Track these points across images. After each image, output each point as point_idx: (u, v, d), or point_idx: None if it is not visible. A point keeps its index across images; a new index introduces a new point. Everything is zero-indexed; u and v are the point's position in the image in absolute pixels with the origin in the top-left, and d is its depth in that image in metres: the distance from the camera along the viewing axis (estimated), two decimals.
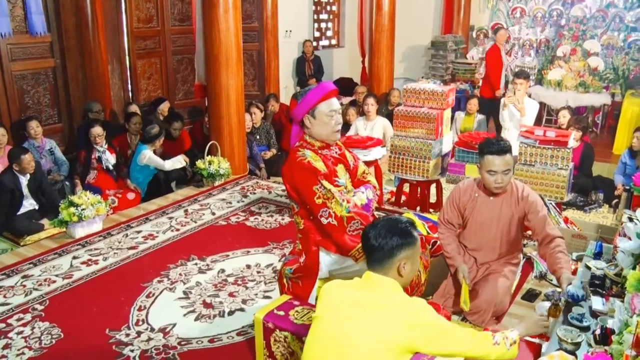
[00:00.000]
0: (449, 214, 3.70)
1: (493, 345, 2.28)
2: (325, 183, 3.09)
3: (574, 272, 3.90)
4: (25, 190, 5.27)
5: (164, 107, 7.42)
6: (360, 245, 3.03)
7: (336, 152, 3.35)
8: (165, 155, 6.46)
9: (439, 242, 3.68)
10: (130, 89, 7.85)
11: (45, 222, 5.25)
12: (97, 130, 5.98)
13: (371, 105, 6.94)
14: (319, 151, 3.23)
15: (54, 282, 4.36)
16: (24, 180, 5.25)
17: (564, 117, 6.54)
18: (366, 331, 2.08)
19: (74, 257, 4.77)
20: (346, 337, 2.12)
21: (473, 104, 7.49)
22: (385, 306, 2.12)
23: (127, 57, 7.71)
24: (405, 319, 2.08)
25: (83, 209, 5.02)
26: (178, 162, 6.48)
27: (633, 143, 5.99)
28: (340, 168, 3.31)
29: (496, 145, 3.44)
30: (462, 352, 2.17)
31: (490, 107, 8.23)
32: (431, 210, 5.70)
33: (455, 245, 3.66)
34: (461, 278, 3.50)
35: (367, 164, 5.48)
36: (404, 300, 2.17)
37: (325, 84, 3.28)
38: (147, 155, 6.24)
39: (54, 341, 3.61)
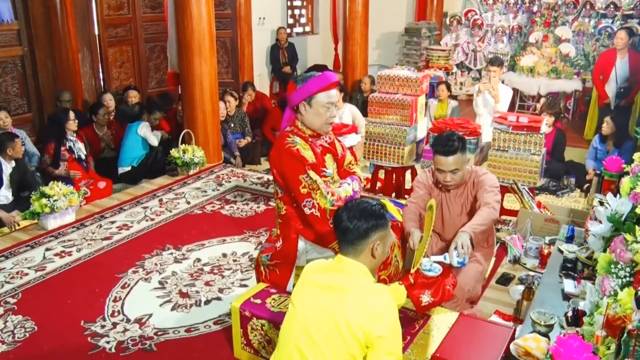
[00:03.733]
0: (419, 193, 3.68)
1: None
2: (312, 174, 3.08)
3: (547, 256, 3.98)
4: (5, 180, 5.16)
5: (131, 94, 7.28)
6: None
7: (326, 141, 3.33)
8: None
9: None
10: (101, 77, 7.73)
11: (16, 214, 5.16)
12: (72, 125, 5.92)
13: None
14: (309, 139, 3.20)
15: (27, 274, 4.29)
16: (6, 169, 5.15)
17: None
18: (331, 315, 2.11)
19: (47, 249, 4.70)
20: (313, 320, 2.15)
21: (441, 89, 7.49)
22: (351, 291, 2.14)
23: (98, 45, 7.58)
24: (372, 308, 2.10)
25: (55, 200, 4.94)
26: (155, 137, 6.57)
27: (603, 128, 6.09)
28: (328, 158, 3.29)
29: (443, 146, 3.41)
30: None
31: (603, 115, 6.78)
32: (406, 196, 5.71)
33: (415, 220, 3.52)
34: (412, 244, 3.26)
35: None
36: (371, 287, 2.20)
37: (328, 74, 3.22)
38: (144, 127, 6.43)
39: (27, 335, 3.56)
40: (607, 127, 6.03)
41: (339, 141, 3.50)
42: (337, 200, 3.13)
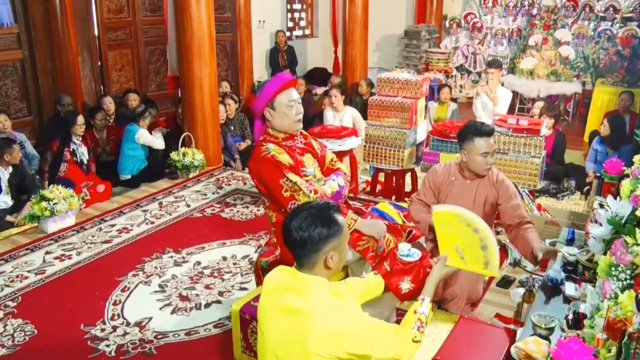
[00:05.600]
0: (425, 196, 3.72)
1: (413, 343, 2.14)
2: (291, 176, 3.07)
3: (548, 258, 3.97)
4: (4, 186, 5.15)
5: (132, 97, 7.28)
6: None
7: (301, 142, 3.34)
8: None
9: (412, 224, 3.68)
10: (101, 80, 7.73)
11: (16, 217, 5.15)
12: (79, 129, 5.93)
13: (334, 97, 6.87)
14: (283, 143, 3.21)
15: (27, 278, 4.29)
16: (4, 175, 5.14)
17: (538, 108, 6.62)
18: (295, 340, 1.99)
19: (47, 253, 4.70)
20: (280, 347, 2.06)
21: (445, 92, 7.53)
22: (310, 313, 1.98)
23: (98, 48, 7.58)
24: (330, 328, 1.96)
25: (55, 203, 4.94)
26: (158, 138, 6.52)
27: (601, 129, 6.09)
28: (307, 157, 3.30)
29: (486, 127, 3.50)
30: (384, 356, 2.06)
31: None
32: (406, 199, 5.72)
33: (425, 213, 3.61)
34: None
35: (342, 153, 5.49)
36: (329, 304, 2.02)
37: (282, 74, 3.28)
38: (143, 135, 6.32)
39: (27, 338, 3.56)
40: (604, 128, 6.04)
41: (316, 141, 3.50)
42: (322, 197, 3.12)
